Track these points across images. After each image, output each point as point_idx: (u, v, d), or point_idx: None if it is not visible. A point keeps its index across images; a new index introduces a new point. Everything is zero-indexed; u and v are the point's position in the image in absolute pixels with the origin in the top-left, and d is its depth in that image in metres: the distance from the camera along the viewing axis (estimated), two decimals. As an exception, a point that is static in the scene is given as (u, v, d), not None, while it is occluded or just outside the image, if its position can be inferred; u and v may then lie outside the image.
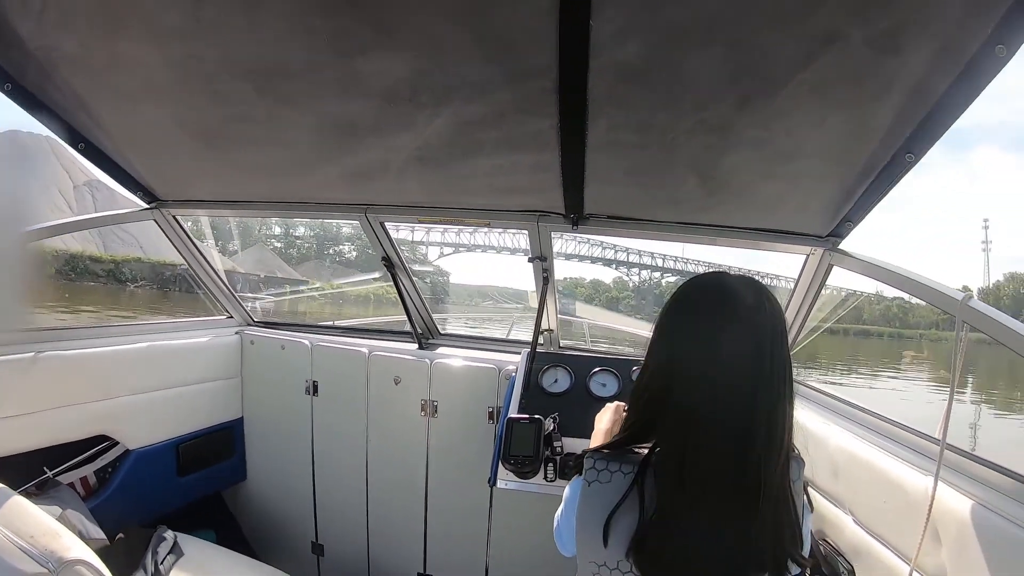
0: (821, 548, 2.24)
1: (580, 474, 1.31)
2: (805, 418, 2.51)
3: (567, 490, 1.39)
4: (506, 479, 2.62)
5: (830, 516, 2.27)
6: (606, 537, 1.21)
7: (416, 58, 1.62)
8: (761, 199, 2.33)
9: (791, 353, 2.81)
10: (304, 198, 2.87)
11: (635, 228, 2.65)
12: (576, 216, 2.58)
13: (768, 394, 1.20)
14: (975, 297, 1.82)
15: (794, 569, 1.26)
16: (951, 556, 1.69)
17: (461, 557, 3.43)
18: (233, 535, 3.78)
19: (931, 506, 1.74)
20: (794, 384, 2.68)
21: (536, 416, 2.49)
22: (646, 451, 1.26)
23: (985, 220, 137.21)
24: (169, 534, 2.59)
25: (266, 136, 2.17)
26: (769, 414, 1.19)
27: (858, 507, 2.13)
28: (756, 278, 1.34)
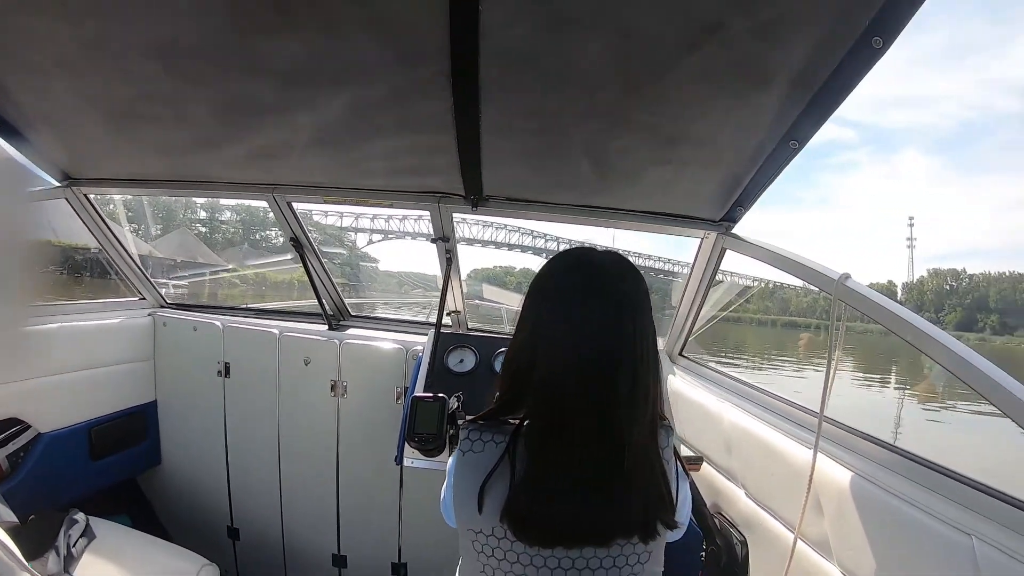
0: (716, 521, 2.32)
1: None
2: (702, 397, 2.60)
3: (448, 463, 1.40)
4: (412, 457, 2.64)
5: (725, 490, 2.36)
6: (480, 504, 1.22)
7: (314, 39, 1.61)
8: (653, 183, 2.38)
9: (692, 335, 2.91)
10: (213, 177, 2.83)
11: (533, 210, 2.69)
12: (476, 197, 2.62)
13: (631, 362, 1.22)
14: (851, 277, 1.91)
15: (670, 535, 1.32)
16: (832, 524, 1.78)
17: (374, 536, 3.45)
18: (148, 521, 3.71)
19: (811, 477, 1.83)
20: (692, 364, 2.78)
21: (440, 395, 2.47)
22: (518, 421, 1.29)
23: (910, 218, 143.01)
24: (81, 516, 2.52)
25: (173, 114, 2.13)
26: (632, 381, 1.22)
27: (749, 481, 2.22)
28: (621, 252, 1.37)
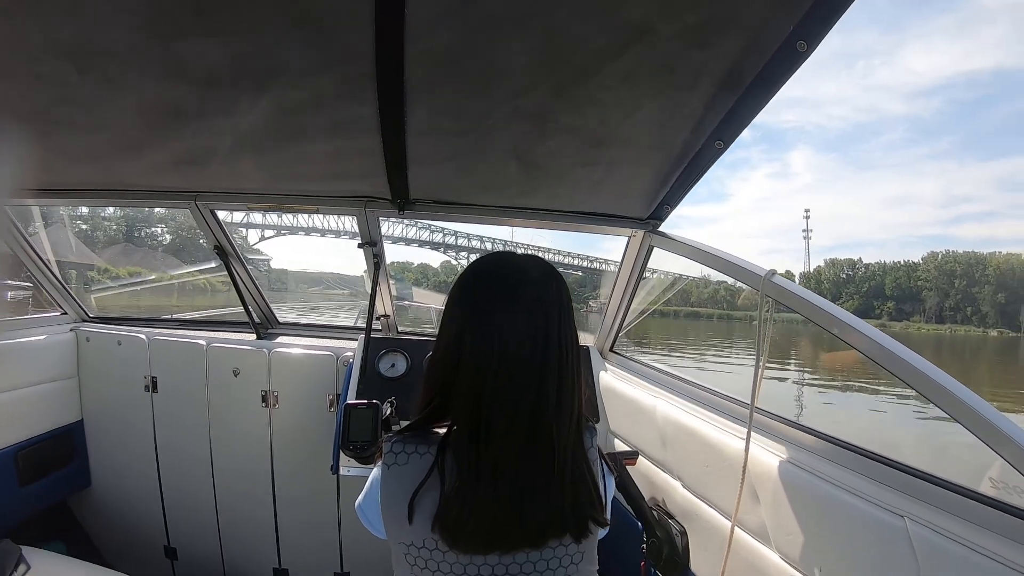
0: (655, 513, 2.37)
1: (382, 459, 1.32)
2: (635, 392, 2.66)
3: (370, 475, 1.39)
4: (348, 465, 2.63)
5: (662, 483, 2.42)
6: (411, 516, 1.22)
7: (236, 42, 1.58)
8: (581, 184, 2.43)
9: (622, 331, 2.97)
10: (133, 185, 2.73)
11: (461, 212, 2.71)
12: (402, 201, 2.62)
13: (555, 366, 1.25)
14: (778, 274, 1.99)
15: (600, 532, 1.34)
16: (768, 511, 1.85)
17: (315, 546, 3.40)
18: (84, 546, 3.57)
19: (745, 466, 1.90)
20: (624, 360, 2.84)
21: (374, 401, 2.49)
22: (444, 430, 1.29)
23: (806, 211, 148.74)
24: (13, 547, 2.41)
25: (91, 120, 2.05)
26: (558, 385, 1.24)
27: (686, 472, 2.29)
28: (542, 256, 1.39)
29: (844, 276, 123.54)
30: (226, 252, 3.16)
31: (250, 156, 2.31)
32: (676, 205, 2.48)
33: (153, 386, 3.39)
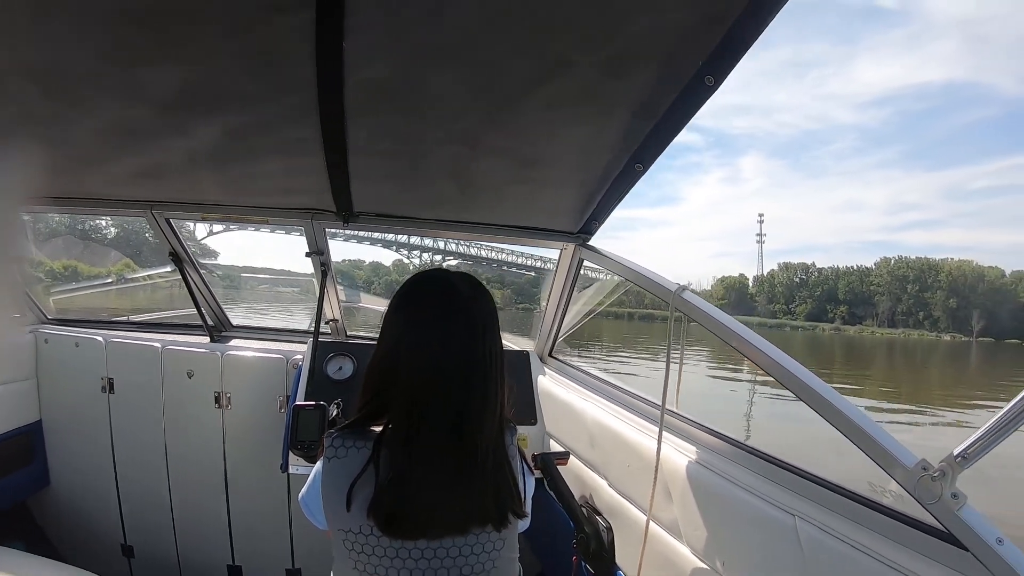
0: (584, 510, 2.51)
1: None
2: (568, 396, 2.82)
3: (313, 469, 1.52)
4: (297, 464, 2.73)
5: (590, 481, 2.57)
6: (349, 504, 1.35)
7: (190, 70, 1.68)
8: (514, 200, 2.60)
9: (560, 337, 3.13)
10: (92, 194, 2.83)
11: (403, 225, 2.86)
12: (347, 214, 2.74)
13: (481, 372, 1.41)
14: (688, 290, 2.17)
15: (520, 524, 1.50)
16: (680, 508, 2.01)
17: (267, 544, 3.48)
18: (42, 545, 3.59)
19: (657, 466, 2.06)
20: (561, 365, 3.00)
21: (321, 403, 2.60)
22: (380, 428, 1.42)
23: (760, 215, 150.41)
24: None
25: (53, 136, 2.14)
26: (483, 389, 1.41)
27: (611, 472, 2.45)
28: (472, 274, 1.56)
29: (798, 280, 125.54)
30: (180, 258, 3.24)
31: (203, 171, 2.43)
32: (603, 221, 2.65)
33: (110, 387, 3.43)
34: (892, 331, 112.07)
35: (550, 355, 3.32)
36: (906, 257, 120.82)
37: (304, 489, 1.53)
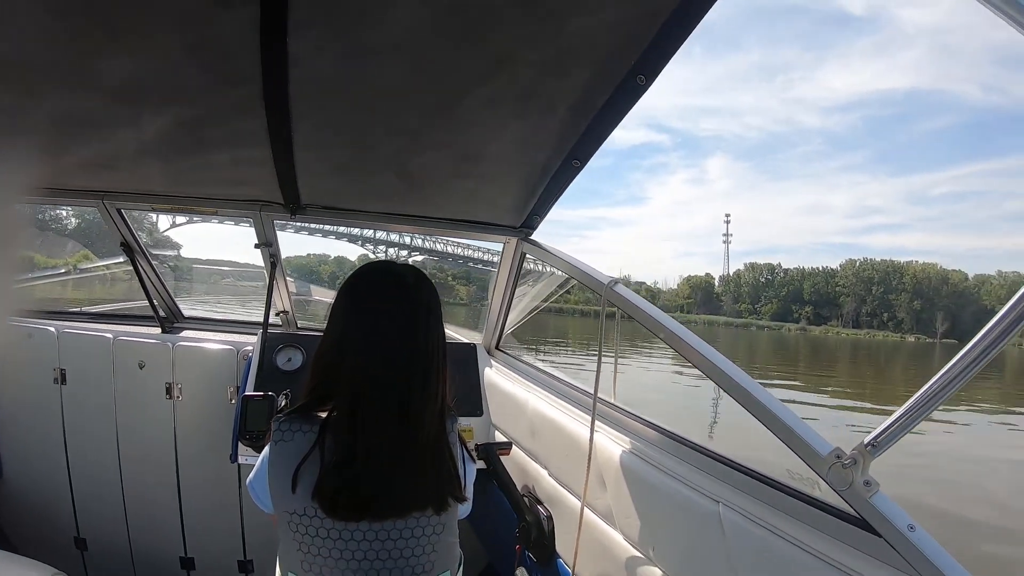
0: (526, 500, 2.59)
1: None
2: (512, 388, 2.90)
3: (261, 454, 1.57)
4: (246, 455, 2.76)
5: (532, 471, 2.64)
6: (294, 486, 1.40)
7: (143, 61, 1.71)
8: (458, 195, 2.66)
9: (506, 330, 3.19)
10: (45, 184, 2.81)
11: (350, 217, 2.91)
12: (294, 206, 2.78)
13: (424, 361, 1.48)
14: (620, 283, 2.24)
15: (461, 509, 1.57)
16: (613, 496, 2.09)
17: (219, 535, 3.50)
18: None
19: (590, 454, 2.14)
20: (508, 357, 3.06)
21: (270, 393, 2.63)
22: (326, 413, 1.48)
23: (727, 215, 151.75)
24: None
25: (7, 124, 2.14)
26: (424, 378, 1.47)
27: (551, 462, 2.53)
28: (416, 266, 1.61)
29: (764, 280, 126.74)
30: (132, 248, 3.24)
31: (154, 162, 2.45)
32: (544, 215, 2.73)
33: (62, 378, 3.42)
34: (857, 332, 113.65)
35: (497, 348, 3.39)
36: (871, 259, 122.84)
37: (252, 473, 1.58)
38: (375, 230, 3.03)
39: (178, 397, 3.38)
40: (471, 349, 3.36)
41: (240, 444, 2.74)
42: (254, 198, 2.82)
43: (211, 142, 2.24)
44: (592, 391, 2.24)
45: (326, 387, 1.50)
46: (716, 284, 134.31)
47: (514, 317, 3.33)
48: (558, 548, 2.42)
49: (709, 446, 1.93)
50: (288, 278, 3.34)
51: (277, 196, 2.71)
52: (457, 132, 2.11)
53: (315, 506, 1.39)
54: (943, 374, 1.26)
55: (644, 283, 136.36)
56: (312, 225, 3.05)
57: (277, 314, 3.42)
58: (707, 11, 1.50)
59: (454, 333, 3.71)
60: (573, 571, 2.22)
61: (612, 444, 2.15)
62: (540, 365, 3.01)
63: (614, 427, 2.25)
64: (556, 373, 2.84)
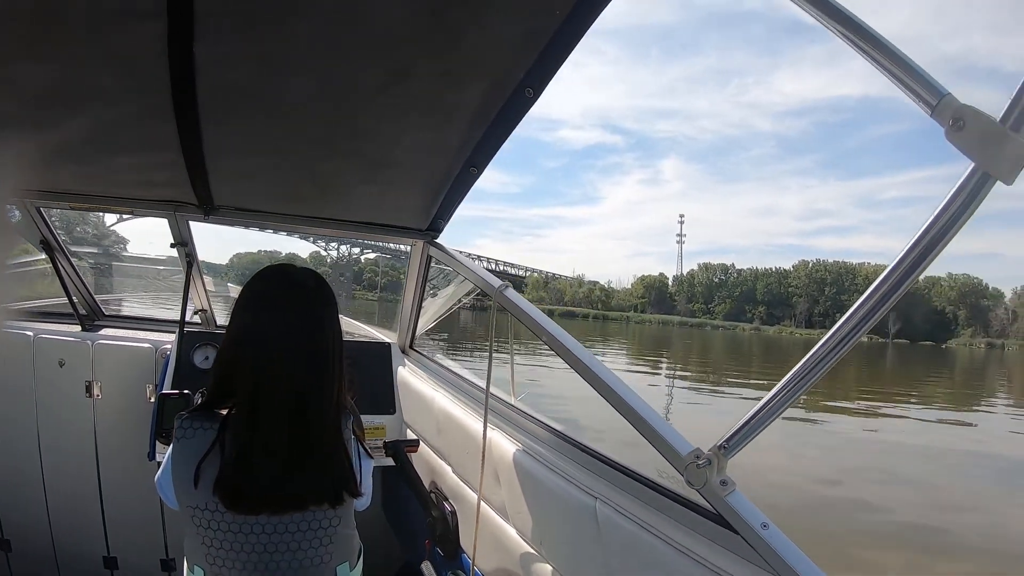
0: (433, 496, 2.68)
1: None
2: (422, 387, 2.99)
3: (167, 451, 1.63)
4: (163, 452, 2.73)
5: (438, 468, 2.73)
6: (196, 481, 1.46)
7: (58, 68, 1.74)
8: (366, 199, 2.75)
9: (418, 330, 3.26)
10: None
11: (264, 220, 2.98)
12: (208, 207, 2.83)
13: (320, 360, 1.55)
14: (510, 288, 2.33)
15: (357, 503, 1.64)
16: (506, 492, 2.19)
17: (141, 534, 3.49)
18: None
19: (484, 450, 2.23)
20: (421, 357, 3.14)
21: (185, 392, 2.65)
22: (226, 411, 1.54)
23: (681, 216, 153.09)
24: None
25: None
26: (320, 377, 1.54)
27: (453, 458, 2.62)
28: (315, 269, 1.69)
29: (717, 280, 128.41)
30: (51, 246, 3.24)
31: (71, 163, 2.49)
32: (448, 219, 2.84)
33: None
34: (811, 331, 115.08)
35: (411, 347, 3.46)
36: (824, 260, 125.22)
37: (159, 471, 1.65)
38: (289, 233, 3.07)
39: (98, 395, 3.36)
40: (386, 348, 3.43)
41: (157, 442, 2.75)
42: (168, 199, 2.85)
43: (125, 145, 2.28)
44: (500, 393, 2.36)
45: (227, 385, 1.54)
46: (670, 284, 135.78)
47: (430, 316, 3.41)
48: (463, 543, 2.50)
49: (591, 444, 2.02)
50: (206, 276, 3.37)
51: (191, 198, 2.75)
52: (363, 140, 2.19)
53: (216, 500, 1.45)
54: (789, 378, 1.33)
55: (598, 282, 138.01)
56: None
57: (196, 312, 3.45)
58: (586, 31, 1.60)
59: (376, 332, 3.80)
60: (473, 565, 2.30)
61: (506, 442, 2.24)
62: (449, 364, 3.09)
63: (509, 425, 2.35)
64: (463, 373, 2.92)
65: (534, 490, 2.05)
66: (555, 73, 1.77)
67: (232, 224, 3.04)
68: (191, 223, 3.03)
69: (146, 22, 1.52)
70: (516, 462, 2.14)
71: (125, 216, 3.38)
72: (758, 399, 1.42)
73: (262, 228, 3.02)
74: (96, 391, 3.36)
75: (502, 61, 1.74)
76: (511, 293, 2.31)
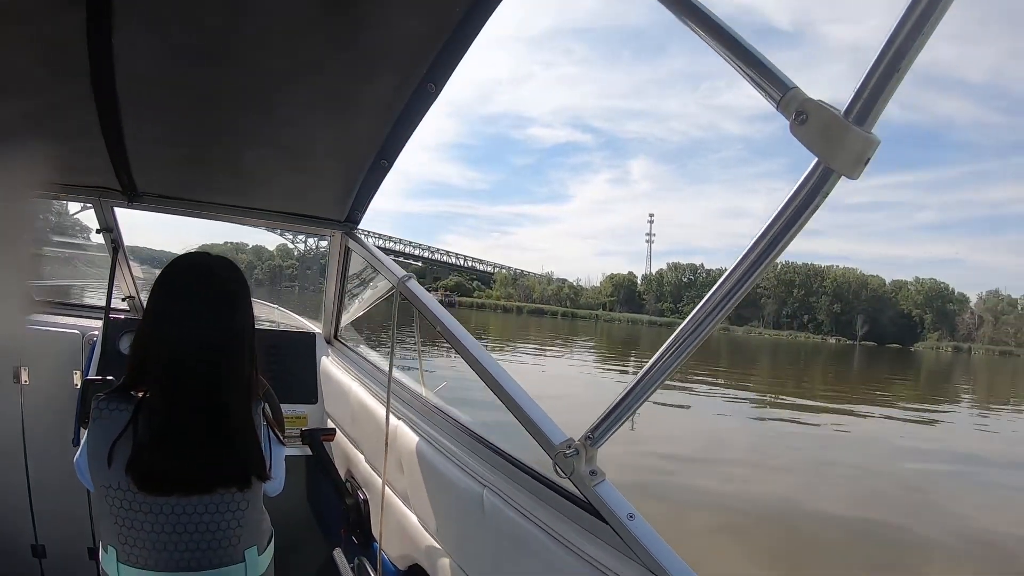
0: (348, 485, 2.75)
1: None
2: (343, 377, 3.05)
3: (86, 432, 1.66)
4: None
5: (353, 457, 2.80)
6: (110, 461, 1.50)
7: None
8: (286, 189, 2.81)
9: (342, 321, 3.30)
10: None
11: (187, 207, 3.01)
12: (131, 194, 2.86)
13: (231, 346, 1.61)
14: (413, 279, 2.41)
15: (267, 487, 1.69)
16: (408, 480, 2.26)
17: (70, 522, 3.43)
18: None
19: (387, 439, 2.30)
20: (344, 348, 3.18)
21: (110, 378, 2.64)
22: (141, 394, 1.58)
23: (651, 215, 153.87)
24: None
25: None
26: (231, 363, 1.60)
27: (366, 448, 2.69)
28: (230, 258, 1.74)
29: (686, 280, 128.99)
30: None
31: None
32: (364, 211, 2.89)
33: None
34: (779, 333, 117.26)
35: (335, 337, 3.52)
36: (793, 263, 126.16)
37: (77, 453, 1.70)
38: (213, 221, 3.11)
39: (26, 381, 3.32)
40: (311, 339, 3.47)
41: (81, 429, 2.75)
42: (93, 185, 2.87)
43: (49, 131, 2.31)
44: (409, 383, 2.43)
45: (142, 368, 1.59)
46: (639, 283, 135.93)
47: (359, 307, 3.45)
48: (373, 531, 2.56)
49: (481, 433, 2.09)
50: (132, 263, 3.38)
51: (114, 184, 2.78)
52: (280, 131, 2.26)
53: (128, 480, 1.50)
54: (645, 371, 1.37)
55: (567, 280, 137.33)
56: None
57: (124, 299, 3.47)
58: (482, 28, 1.67)
59: (307, 322, 3.82)
60: (379, 551, 2.36)
61: (411, 432, 2.31)
62: (368, 356, 3.16)
63: (415, 414, 2.41)
64: (380, 364, 2.99)
65: (432, 479, 2.12)
66: (454, 69, 1.85)
67: (156, 211, 3.07)
68: (116, 210, 3.05)
69: (66, 11, 1.56)
70: (419, 452, 2.21)
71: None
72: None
73: (185, 216, 3.04)
74: (24, 377, 3.32)
75: (405, 56, 1.81)
76: (413, 285, 2.38)
